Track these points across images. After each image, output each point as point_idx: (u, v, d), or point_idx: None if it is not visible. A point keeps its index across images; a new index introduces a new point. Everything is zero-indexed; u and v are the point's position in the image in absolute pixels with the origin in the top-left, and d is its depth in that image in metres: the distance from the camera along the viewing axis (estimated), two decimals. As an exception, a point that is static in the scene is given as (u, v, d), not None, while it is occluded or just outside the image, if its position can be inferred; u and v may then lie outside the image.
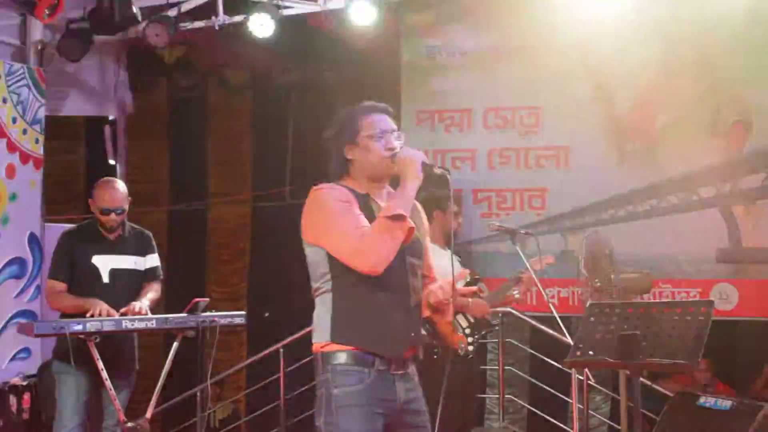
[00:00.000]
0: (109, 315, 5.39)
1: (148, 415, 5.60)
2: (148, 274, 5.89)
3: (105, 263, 5.70)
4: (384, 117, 3.75)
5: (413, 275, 3.69)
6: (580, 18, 8.01)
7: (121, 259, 5.76)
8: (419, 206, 3.84)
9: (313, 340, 3.63)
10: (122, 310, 5.56)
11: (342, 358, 3.52)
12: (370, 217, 3.55)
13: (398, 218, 3.47)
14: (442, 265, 5.97)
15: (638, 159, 8.21)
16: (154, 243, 6.01)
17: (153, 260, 5.94)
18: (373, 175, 3.68)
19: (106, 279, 5.69)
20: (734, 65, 7.96)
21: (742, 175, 7.88)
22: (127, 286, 5.76)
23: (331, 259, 3.53)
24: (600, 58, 8.29)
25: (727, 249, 7.90)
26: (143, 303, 5.62)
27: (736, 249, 7.89)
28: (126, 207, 5.77)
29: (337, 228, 3.50)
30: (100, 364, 5.30)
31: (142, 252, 5.88)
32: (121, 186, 5.82)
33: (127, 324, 5.35)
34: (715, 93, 8.01)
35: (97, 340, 5.28)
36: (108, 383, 5.38)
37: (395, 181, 3.63)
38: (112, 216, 5.69)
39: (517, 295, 6.13)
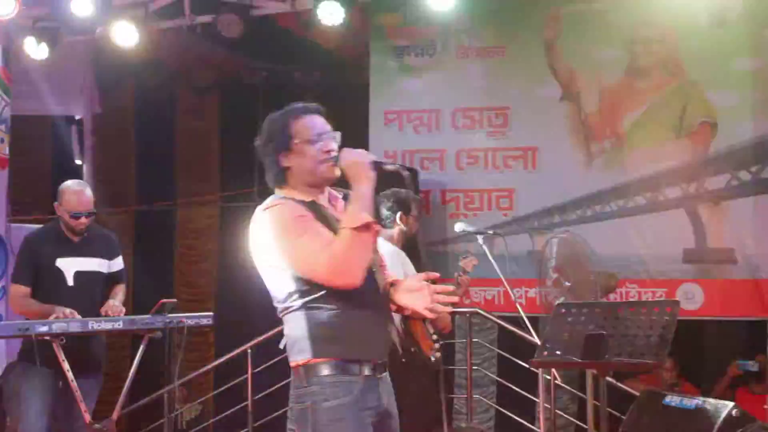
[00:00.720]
0: (72, 317, 5.33)
1: (115, 416, 5.56)
2: (115, 277, 5.85)
3: (69, 266, 5.65)
4: (317, 117, 3.55)
5: (377, 270, 3.55)
6: (548, 19, 8.05)
7: (85, 262, 5.71)
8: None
9: (292, 359, 3.45)
10: (102, 309, 5.54)
11: (328, 369, 3.37)
12: (327, 225, 3.39)
13: (365, 227, 3.29)
14: (412, 270, 6.04)
15: (605, 160, 8.28)
16: (118, 245, 5.96)
17: (119, 263, 5.89)
18: (313, 181, 3.48)
19: (70, 282, 5.63)
20: (700, 67, 8.04)
21: (707, 176, 7.96)
22: (92, 288, 5.72)
23: (297, 278, 3.36)
24: (567, 59, 8.34)
25: (692, 249, 7.97)
26: (118, 303, 5.61)
27: (701, 249, 7.96)
28: (94, 210, 5.74)
29: (305, 248, 3.31)
30: (66, 366, 5.26)
31: (108, 255, 5.83)
32: (88, 188, 5.76)
33: (93, 325, 5.30)
34: (681, 95, 8.09)
35: (63, 342, 5.24)
36: (74, 384, 5.33)
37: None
38: (83, 219, 5.63)
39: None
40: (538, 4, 8.03)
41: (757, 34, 7.55)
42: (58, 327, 5.16)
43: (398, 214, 6.03)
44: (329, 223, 3.41)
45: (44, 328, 5.11)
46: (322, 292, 3.35)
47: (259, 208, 3.44)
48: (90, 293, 5.68)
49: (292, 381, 3.51)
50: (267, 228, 3.38)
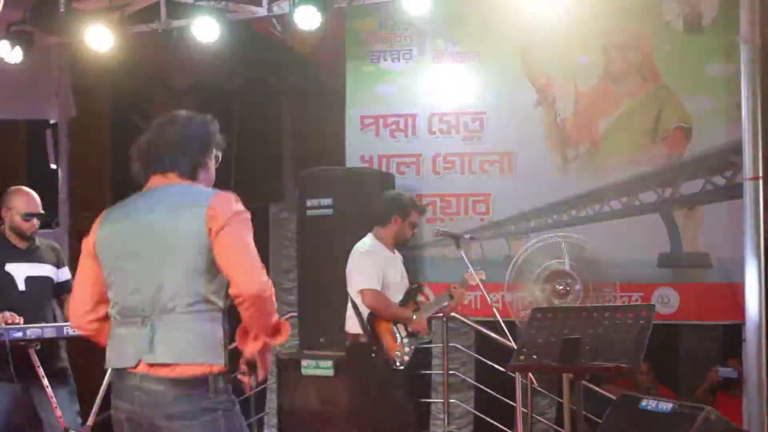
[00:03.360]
0: (13, 322, 5.27)
1: (90, 422, 5.53)
2: (65, 287, 5.78)
3: (20, 271, 5.60)
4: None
5: None
6: (524, 24, 8.07)
7: (37, 267, 5.68)
8: None
9: (196, 363, 3.28)
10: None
11: (224, 379, 3.33)
12: None
13: (282, 330, 3.37)
14: (396, 270, 6.06)
15: (581, 164, 8.30)
16: (64, 256, 5.92)
17: (66, 273, 5.83)
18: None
19: (22, 287, 5.59)
20: (675, 73, 8.08)
21: (682, 181, 7.99)
22: (44, 293, 5.69)
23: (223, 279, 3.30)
24: (543, 64, 8.37)
25: (667, 254, 8.00)
26: None
27: (676, 254, 7.99)
28: (43, 212, 5.72)
29: (251, 247, 3.31)
30: (41, 371, 5.22)
31: (57, 263, 5.80)
32: (34, 192, 5.74)
33: (68, 330, 5.27)
34: (656, 99, 8.12)
35: (38, 347, 5.20)
36: (49, 390, 5.30)
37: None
38: (34, 221, 5.62)
39: (445, 304, 6.19)
40: (513, 10, 8.04)
41: (731, 40, 7.59)
42: (32, 332, 5.12)
43: (393, 216, 6.08)
44: None
45: (19, 334, 5.07)
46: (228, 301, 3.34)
47: (227, 194, 3.40)
48: (42, 298, 5.66)
49: (189, 391, 3.28)
50: (245, 213, 3.37)
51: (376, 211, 6.22)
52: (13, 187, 5.76)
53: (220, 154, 3.66)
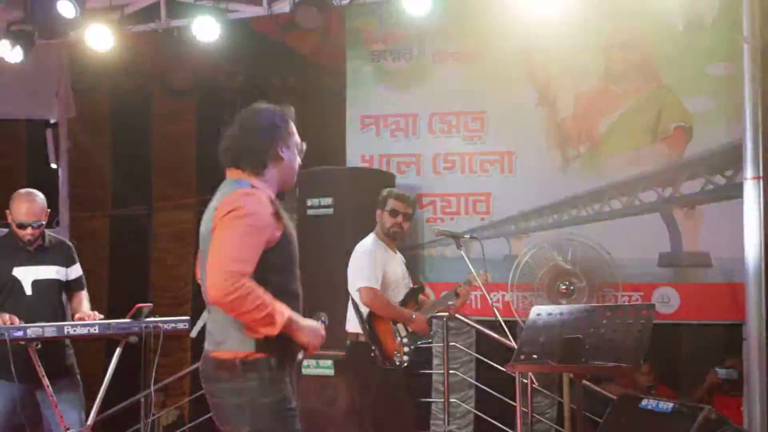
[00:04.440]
0: (12, 323, 5.25)
1: (90, 422, 5.52)
2: (74, 285, 5.79)
3: (26, 275, 5.59)
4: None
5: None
6: (524, 24, 8.05)
7: (43, 270, 5.65)
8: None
9: (226, 348, 3.53)
10: (77, 316, 5.51)
11: (270, 365, 3.49)
12: (281, 218, 3.55)
13: (278, 320, 3.41)
14: (397, 270, 6.04)
15: (581, 164, 8.30)
16: (75, 252, 5.91)
17: (77, 270, 5.83)
18: (287, 182, 3.71)
19: (29, 291, 5.58)
20: (675, 73, 8.08)
21: (682, 180, 7.99)
22: (51, 296, 5.67)
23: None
24: (543, 64, 8.37)
25: (668, 253, 8.00)
26: (91, 312, 5.56)
27: (677, 253, 7.99)
28: (44, 220, 5.66)
29: (233, 244, 3.39)
30: (42, 371, 5.21)
31: (65, 262, 5.77)
32: (39, 198, 5.67)
33: (69, 330, 5.26)
34: (656, 99, 8.12)
35: (38, 347, 5.19)
36: (49, 390, 5.29)
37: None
38: (29, 230, 5.57)
39: (451, 303, 6.17)
40: (514, 10, 8.03)
41: (732, 39, 7.58)
42: (33, 332, 5.11)
43: (377, 211, 6.07)
44: (282, 216, 3.56)
45: (19, 333, 5.06)
46: (272, 286, 3.45)
47: (240, 190, 3.50)
48: (49, 301, 5.63)
49: (218, 374, 3.54)
50: (237, 210, 3.43)
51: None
52: (19, 191, 5.71)
53: (300, 143, 3.73)
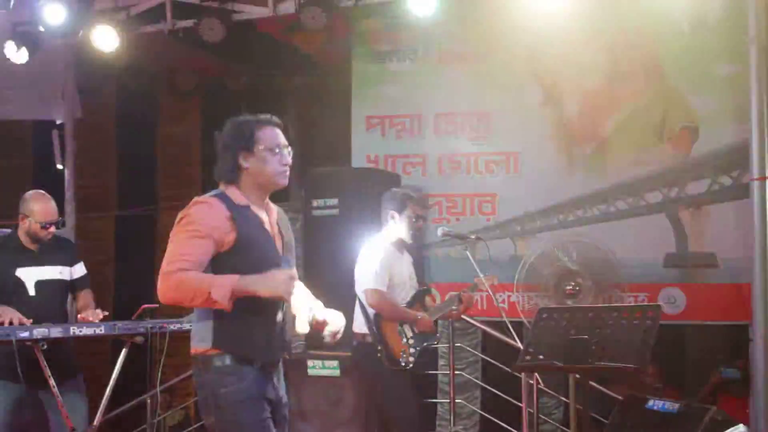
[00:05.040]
0: (20, 323, 5.27)
1: (96, 422, 5.53)
2: (79, 283, 5.79)
3: (30, 275, 5.58)
4: (278, 132, 3.89)
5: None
6: (529, 24, 8.05)
7: (46, 270, 5.65)
8: (284, 214, 4.04)
9: (193, 345, 3.81)
10: (81, 316, 5.52)
11: (226, 359, 3.72)
12: (257, 226, 3.79)
13: (215, 298, 3.53)
14: (403, 271, 6.05)
15: (587, 164, 8.29)
16: (78, 251, 5.91)
17: (81, 269, 5.83)
18: (266, 185, 3.86)
19: (32, 291, 5.57)
20: (681, 72, 8.06)
21: (688, 181, 7.98)
22: (54, 296, 5.66)
23: (213, 269, 3.67)
24: (549, 64, 8.36)
25: (674, 254, 7.99)
26: (97, 311, 5.56)
27: (683, 254, 7.98)
28: (60, 218, 5.72)
29: (174, 244, 3.67)
30: (48, 371, 5.21)
31: (69, 261, 5.77)
32: (51, 198, 5.73)
33: (75, 330, 5.25)
34: (662, 99, 8.11)
35: (44, 347, 5.19)
36: (55, 390, 5.29)
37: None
38: (52, 229, 5.61)
39: (454, 308, 6.18)
40: (519, 10, 8.02)
41: (737, 39, 7.56)
42: (39, 332, 5.11)
43: (390, 213, 6.05)
44: (258, 224, 3.81)
45: (25, 334, 5.06)
46: None
47: (195, 199, 3.76)
48: (52, 302, 5.63)
49: (192, 369, 3.84)
50: (182, 216, 3.72)
51: (380, 213, 6.20)
52: (30, 193, 5.71)
53: (279, 145, 3.85)
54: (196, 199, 3.75)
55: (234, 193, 3.80)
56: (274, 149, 3.82)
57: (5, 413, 5.46)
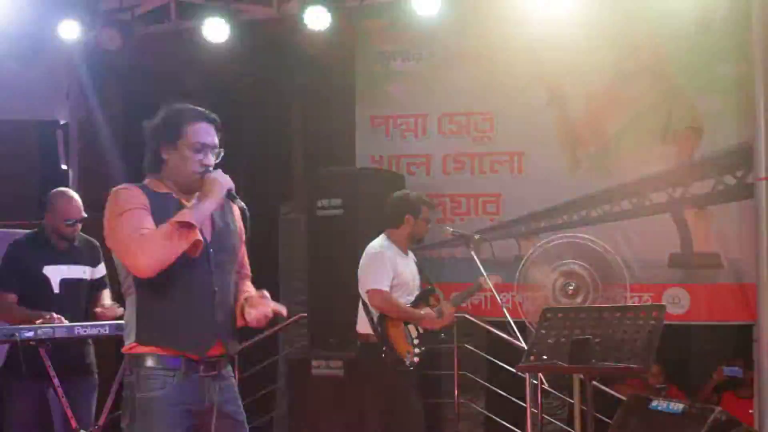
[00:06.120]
0: (59, 321, 5.28)
1: (102, 421, 5.53)
2: (98, 283, 5.82)
3: (56, 273, 5.62)
4: (210, 129, 3.68)
5: (220, 272, 3.63)
6: (534, 25, 8.06)
7: (72, 269, 5.68)
8: (237, 211, 3.76)
9: (124, 342, 3.60)
10: (97, 310, 5.58)
11: (148, 361, 3.50)
12: (176, 210, 3.52)
13: (185, 226, 3.40)
14: (407, 271, 6.06)
15: (591, 164, 8.28)
16: (101, 252, 5.93)
17: (102, 270, 5.86)
18: (183, 184, 3.63)
19: (57, 289, 5.60)
20: (686, 73, 8.05)
21: (693, 181, 7.97)
22: (78, 296, 5.69)
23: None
24: (553, 64, 8.34)
25: (678, 254, 7.98)
26: (115, 307, 5.59)
27: (687, 254, 7.97)
28: (85, 215, 5.74)
29: (119, 229, 3.46)
30: (52, 372, 5.22)
31: (93, 262, 5.81)
32: (76, 195, 5.76)
33: (79, 330, 5.26)
34: (667, 100, 8.10)
35: (49, 347, 5.20)
36: (60, 390, 5.30)
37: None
38: (78, 226, 5.66)
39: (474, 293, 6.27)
40: (524, 10, 8.02)
41: (742, 39, 7.56)
42: (43, 332, 5.12)
43: (405, 216, 6.09)
44: (169, 210, 3.52)
45: (30, 334, 5.07)
46: (155, 280, 3.43)
47: (112, 189, 3.61)
48: (76, 301, 5.65)
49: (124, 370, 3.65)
50: (106, 208, 3.55)
51: (388, 213, 6.22)
52: (57, 190, 5.78)
53: (208, 145, 3.65)
54: (113, 189, 3.60)
55: (156, 184, 3.64)
56: (198, 148, 3.60)
57: (33, 412, 5.49)
